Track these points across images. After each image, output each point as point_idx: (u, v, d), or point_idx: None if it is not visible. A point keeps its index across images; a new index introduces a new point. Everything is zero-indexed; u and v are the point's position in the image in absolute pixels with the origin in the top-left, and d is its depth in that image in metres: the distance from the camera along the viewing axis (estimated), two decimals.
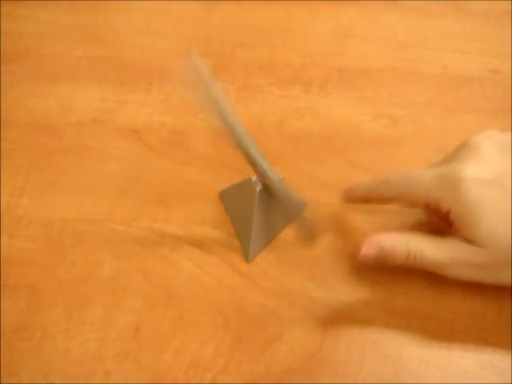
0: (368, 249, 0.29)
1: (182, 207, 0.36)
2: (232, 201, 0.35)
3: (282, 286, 0.32)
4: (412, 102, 0.43)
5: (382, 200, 0.32)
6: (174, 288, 0.32)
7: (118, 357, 0.30)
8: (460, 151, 0.30)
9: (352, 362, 0.29)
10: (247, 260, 0.33)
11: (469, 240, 0.28)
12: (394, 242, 0.29)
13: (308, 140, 0.40)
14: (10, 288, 0.32)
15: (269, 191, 0.31)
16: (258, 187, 0.31)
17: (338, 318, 0.31)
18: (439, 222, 0.31)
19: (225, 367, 0.29)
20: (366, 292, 0.32)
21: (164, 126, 0.41)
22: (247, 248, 0.33)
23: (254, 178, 0.32)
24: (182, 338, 0.30)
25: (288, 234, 0.35)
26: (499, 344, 0.30)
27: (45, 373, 0.29)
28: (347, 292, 0.32)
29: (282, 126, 0.41)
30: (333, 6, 0.51)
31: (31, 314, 0.31)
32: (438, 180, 0.28)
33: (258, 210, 0.32)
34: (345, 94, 0.43)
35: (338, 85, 0.44)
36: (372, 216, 0.35)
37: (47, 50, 0.47)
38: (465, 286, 0.32)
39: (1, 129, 0.41)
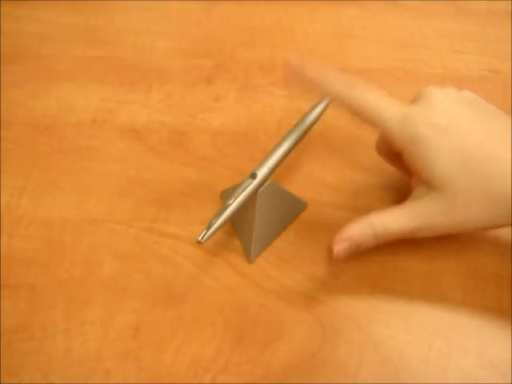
0: (339, 246, 0.29)
1: (182, 207, 0.36)
2: None
3: (282, 285, 0.32)
4: None
5: (335, 100, 0.32)
6: (174, 288, 0.32)
7: (118, 357, 0.30)
8: (417, 100, 0.31)
9: (352, 361, 0.29)
10: (249, 261, 0.33)
11: (427, 182, 0.28)
12: (359, 229, 0.30)
13: (308, 140, 0.40)
14: (10, 288, 0.32)
15: (269, 192, 0.32)
16: (259, 188, 0.31)
17: (337, 318, 0.31)
18: (400, 167, 0.33)
19: (225, 367, 0.29)
20: (366, 292, 0.32)
21: (164, 126, 0.41)
22: (249, 249, 0.33)
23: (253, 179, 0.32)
24: (182, 337, 0.30)
25: (288, 234, 0.35)
26: (499, 344, 0.30)
27: (45, 373, 0.29)
28: (347, 292, 0.32)
29: (282, 126, 0.41)
30: (333, 5, 0.51)
31: (31, 314, 0.31)
32: (396, 118, 0.29)
33: (259, 211, 0.32)
34: None
35: None
36: None
37: (47, 50, 0.47)
38: (465, 286, 0.32)
39: (1, 129, 0.41)
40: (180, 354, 0.30)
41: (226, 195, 0.36)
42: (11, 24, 0.49)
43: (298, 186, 0.36)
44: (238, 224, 0.34)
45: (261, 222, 0.33)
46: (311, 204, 0.36)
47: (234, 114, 0.42)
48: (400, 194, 0.36)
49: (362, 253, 0.34)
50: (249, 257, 0.33)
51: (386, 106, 0.30)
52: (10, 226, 0.35)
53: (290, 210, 0.35)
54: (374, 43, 0.48)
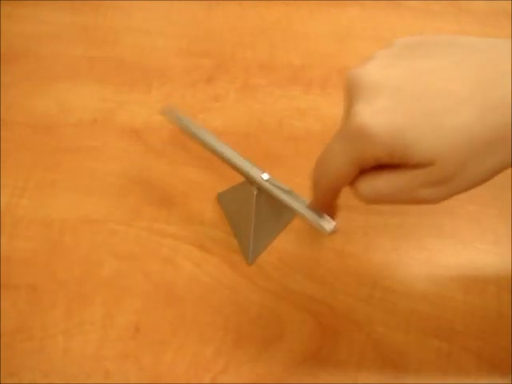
0: None
1: (182, 207, 0.36)
2: (230, 204, 0.35)
3: (282, 286, 0.32)
4: None
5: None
6: (174, 288, 0.32)
7: (118, 357, 0.30)
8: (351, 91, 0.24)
9: (352, 361, 0.29)
10: (248, 263, 0.33)
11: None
12: None
13: (308, 140, 0.40)
14: (10, 288, 0.32)
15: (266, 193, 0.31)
16: (256, 189, 0.31)
17: (338, 318, 0.31)
18: None
19: (225, 367, 0.29)
20: (366, 292, 0.32)
21: (164, 126, 0.41)
22: (247, 251, 0.33)
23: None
24: (182, 337, 0.30)
25: (289, 234, 0.35)
26: (499, 344, 0.30)
27: (45, 373, 0.29)
28: (347, 292, 0.32)
29: (282, 126, 0.41)
30: (333, 6, 0.51)
31: (31, 314, 0.31)
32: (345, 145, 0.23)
33: (257, 213, 0.32)
34: None
35: (338, 85, 0.44)
36: (374, 216, 0.35)
37: (47, 50, 0.47)
38: (465, 286, 0.32)
39: (1, 129, 0.41)
40: (180, 353, 0.30)
41: (224, 198, 0.36)
42: (11, 24, 0.49)
43: (299, 185, 0.36)
44: (236, 226, 0.34)
45: (259, 223, 0.32)
46: None
47: (234, 114, 0.42)
48: None
49: (361, 253, 0.34)
50: (247, 259, 0.33)
51: (331, 153, 0.25)
52: (10, 225, 0.35)
53: (290, 210, 0.35)
54: (373, 43, 0.47)
